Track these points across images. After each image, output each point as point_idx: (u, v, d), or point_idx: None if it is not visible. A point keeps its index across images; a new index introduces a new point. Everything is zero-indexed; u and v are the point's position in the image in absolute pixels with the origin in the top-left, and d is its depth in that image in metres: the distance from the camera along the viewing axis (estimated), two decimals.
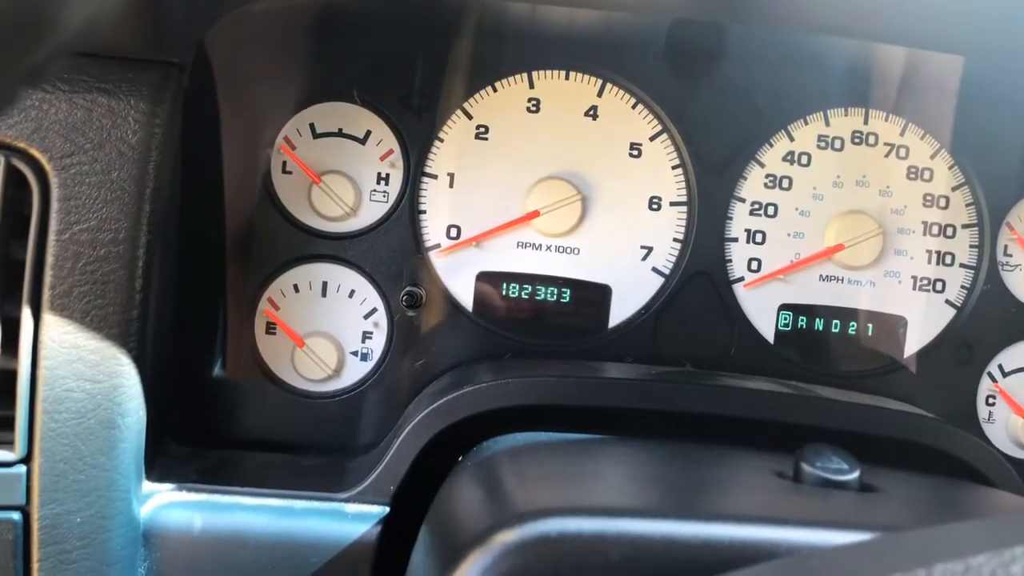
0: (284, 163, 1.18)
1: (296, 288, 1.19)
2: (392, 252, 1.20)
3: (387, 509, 0.99)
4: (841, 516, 0.69)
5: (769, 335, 1.24)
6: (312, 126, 1.18)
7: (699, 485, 0.78)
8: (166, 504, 0.98)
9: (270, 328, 1.19)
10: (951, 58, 1.19)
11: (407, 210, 1.20)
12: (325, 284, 1.19)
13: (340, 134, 1.19)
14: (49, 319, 0.89)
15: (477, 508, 0.72)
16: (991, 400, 1.26)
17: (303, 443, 1.18)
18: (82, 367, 0.90)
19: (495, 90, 1.20)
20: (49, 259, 0.89)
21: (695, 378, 1.12)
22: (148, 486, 0.98)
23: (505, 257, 1.21)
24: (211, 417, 1.18)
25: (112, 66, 0.92)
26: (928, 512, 0.79)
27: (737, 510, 0.67)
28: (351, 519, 0.99)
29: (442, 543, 0.72)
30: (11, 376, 0.89)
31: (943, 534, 0.48)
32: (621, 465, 0.84)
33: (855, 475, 0.77)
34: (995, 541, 0.45)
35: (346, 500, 1.00)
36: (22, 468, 0.91)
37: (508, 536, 0.63)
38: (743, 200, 1.23)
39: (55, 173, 0.90)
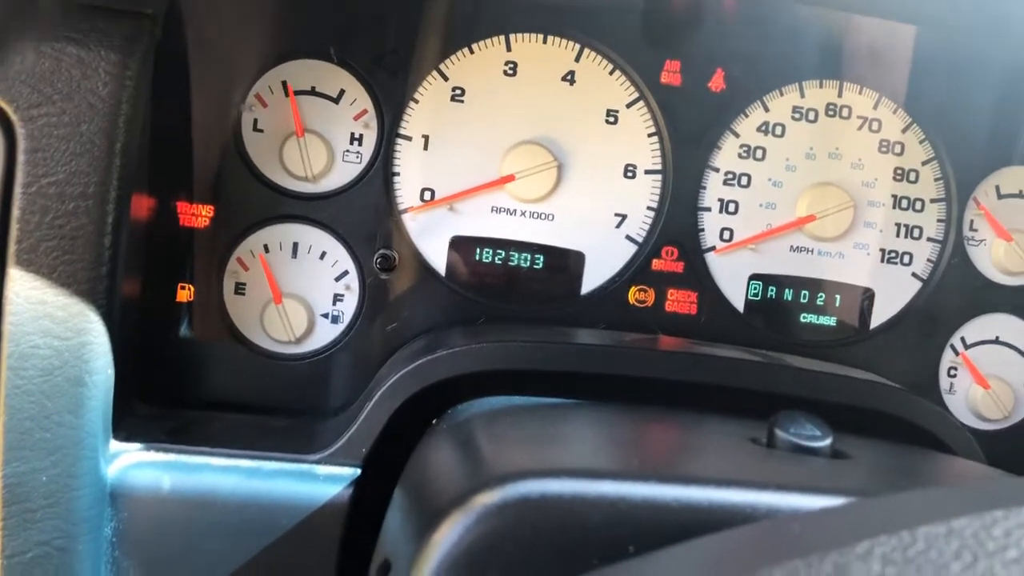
0: (255, 120, 1.16)
1: (266, 248, 1.17)
2: (365, 214, 1.18)
3: (358, 471, 0.99)
4: (815, 481, 0.70)
5: (739, 304, 1.25)
6: (284, 83, 1.16)
7: (676, 449, 0.79)
8: (134, 464, 0.96)
9: (239, 288, 1.18)
10: (925, 33, 1.20)
11: (380, 172, 1.18)
12: (296, 245, 1.18)
13: (313, 92, 1.17)
14: (15, 274, 0.87)
15: (455, 470, 0.72)
16: (953, 372, 1.29)
17: (272, 405, 1.18)
18: (49, 323, 0.88)
19: (472, 52, 1.19)
20: (15, 212, 0.87)
21: (665, 345, 1.13)
22: (115, 445, 0.97)
23: (479, 222, 1.21)
24: (178, 377, 1.17)
25: (82, 15, 0.89)
26: (898, 478, 0.81)
27: (714, 474, 0.67)
28: (322, 481, 0.98)
29: (420, 506, 0.71)
30: None
31: (925, 498, 0.49)
32: (597, 429, 0.85)
33: (827, 442, 0.78)
34: (976, 505, 0.46)
35: (317, 462, 0.99)
36: None
37: (488, 498, 0.63)
38: (717, 170, 1.24)
39: (22, 124, 0.87)
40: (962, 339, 1.29)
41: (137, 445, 0.98)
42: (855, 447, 0.82)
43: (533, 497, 0.63)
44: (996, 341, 1.29)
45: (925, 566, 0.43)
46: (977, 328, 1.29)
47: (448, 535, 0.62)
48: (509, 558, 0.61)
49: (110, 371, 0.93)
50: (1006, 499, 0.47)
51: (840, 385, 1.05)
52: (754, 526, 0.52)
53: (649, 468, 0.66)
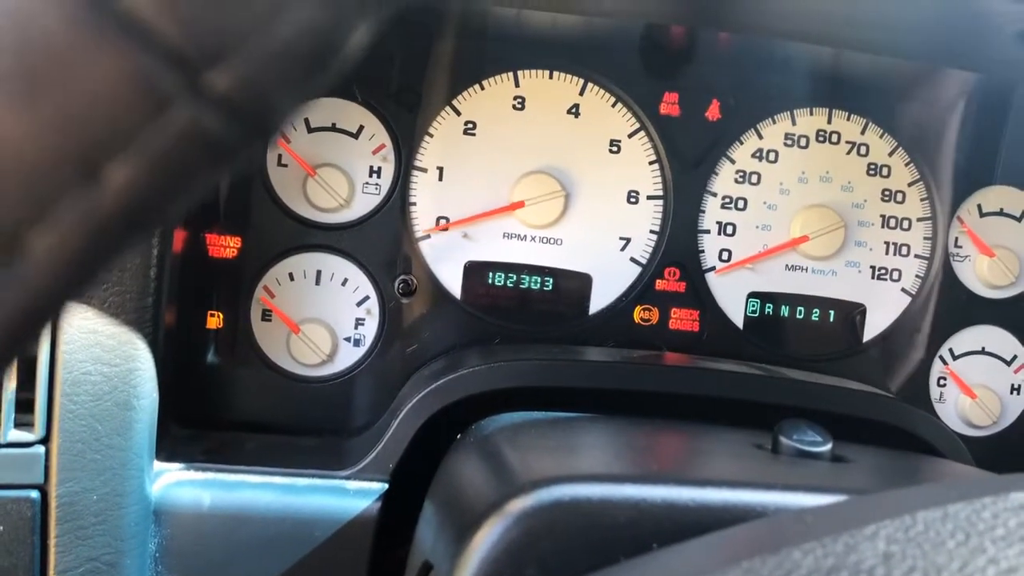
0: (280, 156, 1.22)
1: (291, 276, 1.24)
2: (383, 242, 1.25)
3: (386, 485, 1.05)
4: (819, 481, 0.77)
5: (739, 321, 1.32)
6: (307, 120, 1.23)
7: (690, 455, 0.85)
8: (175, 483, 1.02)
9: (266, 315, 1.24)
10: (906, 61, 1.28)
11: (398, 202, 1.25)
12: (319, 273, 1.24)
13: (334, 129, 1.24)
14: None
15: (487, 480, 0.79)
16: (942, 381, 1.36)
17: (299, 425, 1.23)
18: (100, 351, 0.94)
19: (482, 88, 1.26)
20: None
21: (673, 362, 1.19)
22: (158, 465, 1.03)
23: (491, 247, 1.27)
24: (210, 401, 1.22)
25: None
26: (894, 478, 0.87)
27: (727, 476, 0.74)
28: (352, 495, 1.04)
29: (458, 512, 0.77)
30: (32, 362, 0.93)
31: (922, 491, 0.55)
32: (614, 438, 0.91)
33: (828, 447, 0.85)
34: (968, 494, 0.53)
35: (347, 477, 1.05)
36: (41, 448, 0.94)
37: (522, 503, 0.69)
38: (715, 194, 1.31)
39: None
40: (950, 350, 1.36)
41: (178, 465, 1.04)
42: (854, 452, 0.89)
43: (565, 501, 0.69)
44: (982, 352, 1.36)
45: (925, 543, 0.49)
46: (964, 340, 1.36)
47: (488, 537, 0.68)
48: (544, 556, 0.68)
49: (155, 395, 0.99)
50: (994, 489, 0.54)
51: (837, 396, 1.12)
52: (771, 518, 0.59)
53: (667, 472, 0.73)
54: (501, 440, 0.87)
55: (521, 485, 0.71)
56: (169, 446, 1.07)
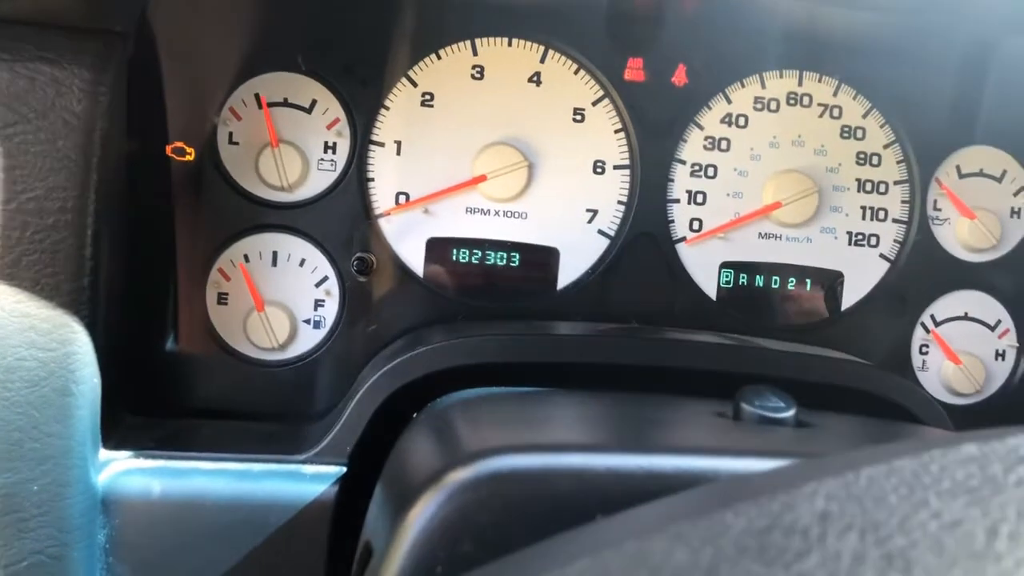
0: (231, 134, 1.18)
1: (247, 258, 1.20)
2: (341, 220, 1.21)
3: (344, 469, 1.01)
4: (777, 447, 0.73)
5: (712, 292, 1.28)
6: (257, 96, 1.19)
7: (642, 424, 0.82)
8: (124, 471, 0.99)
9: (221, 298, 1.20)
10: (880, 18, 1.23)
11: (355, 178, 1.21)
12: (275, 253, 1.20)
13: (286, 104, 1.20)
14: None
15: (429, 452, 0.75)
16: (924, 349, 1.32)
17: (259, 411, 1.20)
18: (34, 335, 0.90)
19: (439, 58, 1.22)
20: None
21: (639, 333, 1.15)
22: (105, 454, 0.99)
23: (454, 223, 1.23)
24: (166, 389, 1.19)
25: (54, 35, 0.91)
26: (860, 443, 0.83)
27: (679, 444, 0.70)
28: (309, 479, 1.00)
29: (393, 492, 0.74)
30: None
31: (876, 450, 0.51)
32: (568, 410, 0.87)
33: (791, 412, 0.81)
34: (916, 448, 0.49)
35: (303, 461, 1.01)
36: None
37: (460, 474, 0.65)
38: (683, 162, 1.27)
39: None
40: (932, 317, 1.32)
41: (126, 453, 1.00)
42: (821, 418, 0.85)
43: (503, 471, 0.65)
44: (965, 317, 1.32)
45: (866, 500, 0.46)
46: (946, 305, 1.32)
47: (423, 511, 0.65)
48: (482, 530, 0.64)
49: (96, 380, 0.95)
50: (945, 442, 0.50)
51: (809, 364, 1.08)
52: (716, 483, 0.55)
53: (613, 440, 0.69)
54: (448, 415, 0.83)
55: (458, 457, 0.67)
56: (119, 435, 1.03)
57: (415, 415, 0.94)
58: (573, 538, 0.54)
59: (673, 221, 1.27)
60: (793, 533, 0.44)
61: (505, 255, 1.24)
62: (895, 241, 1.30)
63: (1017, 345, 1.32)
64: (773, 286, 1.28)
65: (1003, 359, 1.33)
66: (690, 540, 0.45)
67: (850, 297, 1.30)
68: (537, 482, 0.65)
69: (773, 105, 1.27)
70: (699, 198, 1.27)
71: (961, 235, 1.30)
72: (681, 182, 1.27)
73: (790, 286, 1.29)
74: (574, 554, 0.47)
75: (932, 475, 0.47)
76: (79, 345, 0.93)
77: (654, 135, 1.26)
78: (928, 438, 0.86)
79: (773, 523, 0.45)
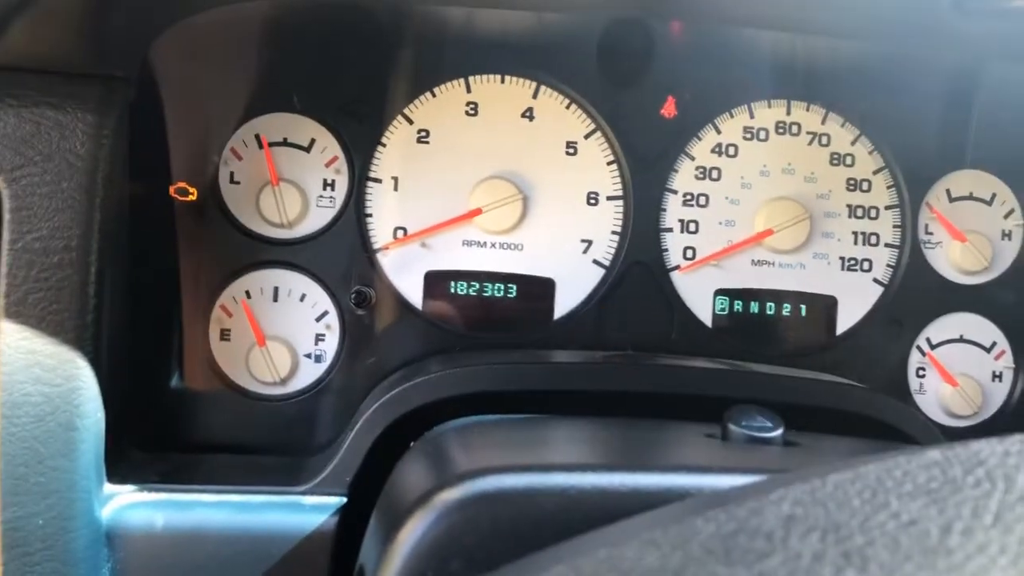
0: (232, 173, 1.22)
1: (248, 294, 1.22)
2: (340, 255, 1.24)
3: (344, 499, 1.02)
4: (763, 464, 0.74)
5: (707, 319, 1.29)
6: (258, 136, 1.22)
7: (630, 445, 0.83)
8: (127, 505, 1.00)
9: (224, 335, 1.22)
10: (867, 47, 1.26)
11: (354, 214, 1.24)
12: (276, 289, 1.23)
13: (285, 143, 1.23)
14: (5, 326, 0.92)
15: (419, 475, 0.76)
16: (921, 372, 1.33)
17: (262, 445, 1.21)
18: (39, 371, 0.93)
19: (434, 95, 1.25)
20: (3, 268, 0.92)
21: (633, 360, 1.17)
22: (109, 488, 1.01)
23: (452, 256, 1.26)
24: (171, 425, 1.21)
25: (57, 81, 0.95)
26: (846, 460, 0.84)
27: (663, 463, 0.71)
28: (309, 511, 1.02)
29: (385, 516, 0.75)
30: None
31: (850, 464, 0.53)
32: (557, 433, 0.89)
33: (779, 432, 0.82)
34: (881, 456, 0.50)
35: (303, 493, 1.03)
36: None
37: (449, 495, 0.67)
38: (675, 192, 1.29)
39: (6, 185, 0.93)
40: (927, 340, 1.33)
41: (130, 487, 1.02)
42: (809, 439, 0.86)
43: (490, 491, 0.67)
44: (961, 339, 1.33)
45: (830, 504, 0.47)
46: (941, 328, 1.33)
47: (413, 531, 0.66)
48: (471, 549, 0.65)
49: (100, 415, 0.98)
50: (911, 451, 0.52)
51: (802, 387, 1.09)
52: (693, 497, 0.56)
53: (598, 460, 0.70)
54: (441, 441, 0.85)
55: (447, 478, 0.69)
56: (124, 469, 1.05)
57: (411, 444, 0.95)
58: (552, 550, 0.55)
59: (667, 250, 1.29)
60: (757, 536, 0.45)
61: (502, 287, 1.26)
62: (888, 265, 1.31)
63: (1014, 366, 1.33)
64: (768, 312, 1.30)
65: (1000, 380, 1.33)
66: (661, 545, 0.47)
67: (845, 322, 1.31)
68: (524, 501, 0.66)
69: (762, 134, 1.30)
70: (692, 227, 1.29)
71: (953, 258, 1.32)
72: (674, 211, 1.29)
73: (785, 312, 1.30)
74: (551, 560, 0.48)
75: (895, 479, 0.48)
76: (83, 380, 0.95)
77: (646, 166, 1.28)
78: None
79: (740, 527, 0.46)
